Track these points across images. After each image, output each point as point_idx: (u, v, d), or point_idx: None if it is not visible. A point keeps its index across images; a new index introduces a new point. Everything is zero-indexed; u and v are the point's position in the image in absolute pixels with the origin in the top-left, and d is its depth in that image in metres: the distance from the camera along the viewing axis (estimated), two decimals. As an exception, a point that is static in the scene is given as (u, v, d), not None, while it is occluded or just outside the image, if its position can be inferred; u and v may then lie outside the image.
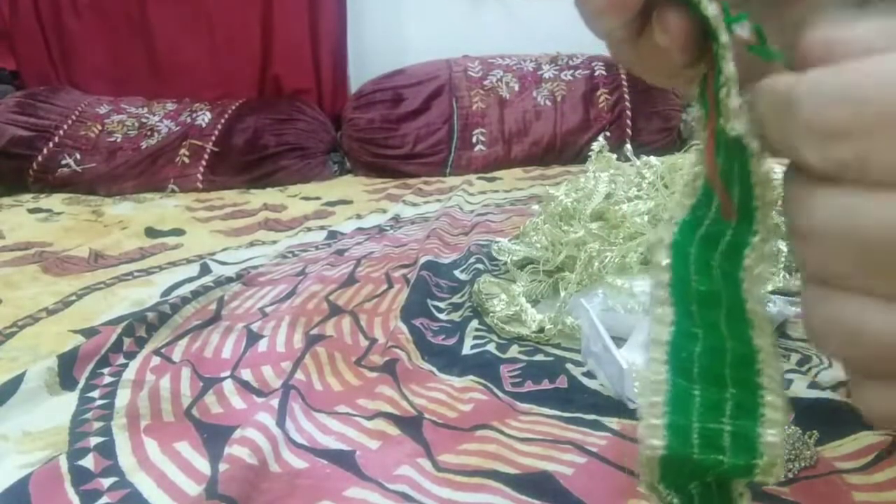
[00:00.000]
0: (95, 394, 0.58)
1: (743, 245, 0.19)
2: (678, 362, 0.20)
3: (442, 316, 0.71)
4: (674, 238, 0.21)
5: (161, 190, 1.66)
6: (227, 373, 0.60)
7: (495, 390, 0.55)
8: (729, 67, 0.18)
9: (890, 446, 0.42)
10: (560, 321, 0.64)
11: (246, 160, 1.71)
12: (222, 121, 1.78)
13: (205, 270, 0.94)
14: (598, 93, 1.77)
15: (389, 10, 2.05)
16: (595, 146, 0.88)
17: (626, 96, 1.76)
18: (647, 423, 0.20)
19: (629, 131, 1.72)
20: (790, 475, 0.41)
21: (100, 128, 1.77)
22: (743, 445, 0.20)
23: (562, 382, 0.56)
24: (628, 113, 1.74)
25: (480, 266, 0.83)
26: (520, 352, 0.62)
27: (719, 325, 0.20)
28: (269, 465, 0.45)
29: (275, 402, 0.52)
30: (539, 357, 0.61)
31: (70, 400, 0.57)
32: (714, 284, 0.20)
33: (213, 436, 0.49)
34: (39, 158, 1.68)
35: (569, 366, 0.58)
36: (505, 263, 0.83)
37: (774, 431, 0.19)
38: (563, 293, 0.69)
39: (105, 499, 0.43)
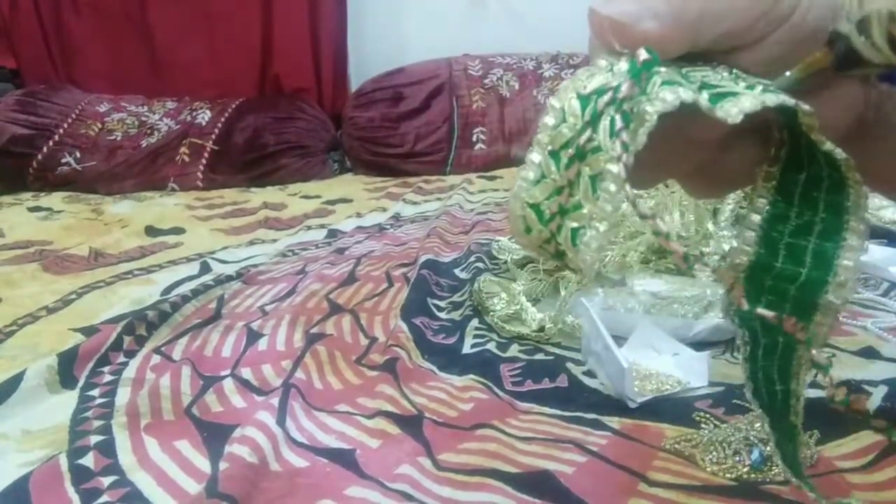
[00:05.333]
0: (95, 392, 0.58)
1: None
2: (783, 186, 0.22)
3: (442, 315, 0.71)
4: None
5: (161, 188, 1.66)
6: (228, 371, 0.60)
7: (496, 389, 0.54)
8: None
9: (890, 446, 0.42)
10: (560, 320, 0.64)
11: (246, 159, 1.71)
12: (222, 119, 1.78)
13: (205, 269, 0.94)
14: (599, 92, 1.77)
15: (389, 8, 2.05)
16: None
17: (627, 95, 1.76)
18: (743, 234, 0.22)
19: (629, 130, 1.71)
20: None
21: (100, 126, 1.77)
22: (822, 263, 0.22)
23: (562, 381, 0.55)
24: (628, 112, 1.74)
25: (481, 265, 0.83)
26: (520, 351, 0.62)
27: (819, 160, 0.21)
28: (270, 463, 0.45)
29: (275, 401, 0.52)
30: (539, 356, 0.61)
31: (70, 398, 0.57)
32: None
33: (214, 434, 0.49)
34: (39, 157, 1.68)
35: (569, 365, 0.58)
36: (505, 262, 0.83)
37: (851, 255, 0.21)
38: (563, 292, 0.69)
39: (105, 497, 0.43)
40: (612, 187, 0.19)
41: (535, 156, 0.20)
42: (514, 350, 0.62)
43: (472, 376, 0.57)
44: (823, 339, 0.22)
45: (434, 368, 0.59)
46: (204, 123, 1.78)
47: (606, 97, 0.19)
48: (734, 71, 0.21)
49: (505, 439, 0.47)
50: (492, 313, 0.68)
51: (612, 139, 0.19)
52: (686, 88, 0.19)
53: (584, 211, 0.19)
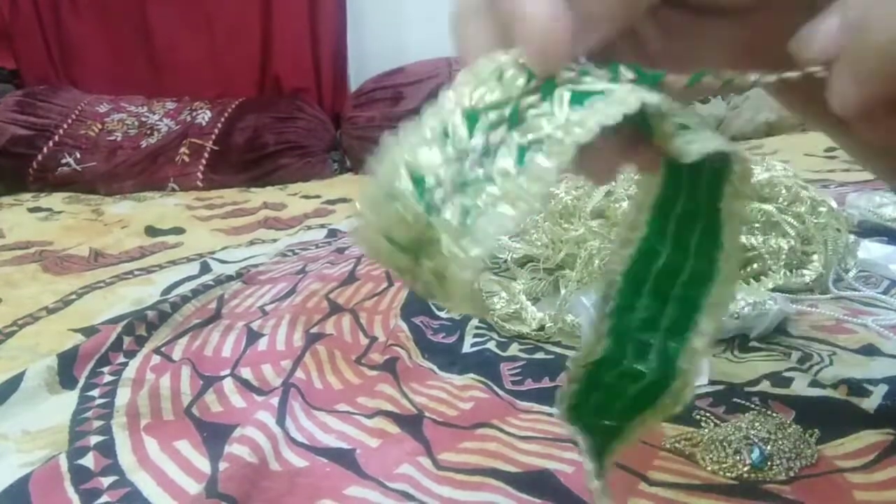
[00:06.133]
0: (95, 392, 0.57)
1: (726, 173, 0.19)
2: (632, 275, 0.21)
3: (442, 314, 0.71)
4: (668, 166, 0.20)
5: (161, 189, 1.66)
6: (227, 371, 0.60)
7: (495, 388, 0.54)
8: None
9: (892, 445, 0.42)
10: (560, 319, 0.64)
11: (246, 159, 1.71)
12: (222, 119, 1.78)
13: (205, 269, 0.94)
14: (599, 91, 1.77)
15: (389, 8, 2.05)
16: (595, 144, 0.88)
17: (627, 94, 1.76)
18: (596, 327, 0.21)
19: (629, 129, 1.72)
20: (791, 474, 0.40)
21: (100, 127, 1.77)
22: (663, 363, 0.20)
23: (562, 380, 0.55)
24: (629, 111, 1.74)
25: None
26: (520, 350, 0.62)
27: (689, 242, 0.20)
28: (270, 463, 0.45)
29: (275, 401, 0.52)
30: (539, 355, 0.61)
31: (70, 399, 0.56)
32: (697, 206, 0.20)
33: (213, 434, 0.49)
34: (39, 157, 1.68)
35: (569, 364, 0.58)
36: (505, 261, 0.83)
37: (690, 358, 0.19)
38: (563, 291, 0.69)
39: (105, 497, 0.43)
40: (548, 164, 0.16)
41: (433, 118, 0.17)
42: (514, 349, 0.62)
43: (472, 375, 0.57)
44: (630, 440, 0.22)
45: (434, 368, 0.59)
46: (204, 123, 1.78)
47: (498, 118, 0.17)
48: (636, 68, 0.19)
49: (505, 438, 0.47)
50: (492, 312, 0.68)
51: (513, 177, 0.16)
52: (611, 103, 0.16)
53: (498, 187, 0.16)
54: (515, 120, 0.17)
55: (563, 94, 0.17)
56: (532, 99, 0.17)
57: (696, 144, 0.17)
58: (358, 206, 0.17)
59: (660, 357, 0.20)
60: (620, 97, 0.16)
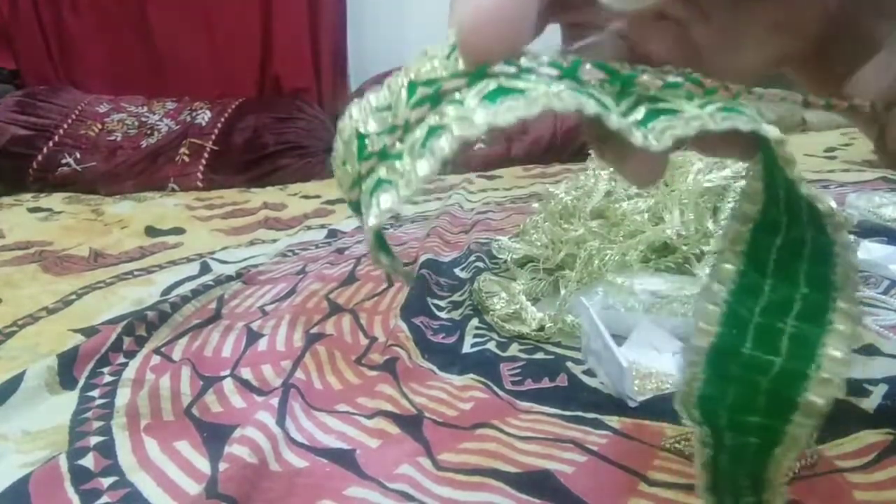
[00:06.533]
0: (95, 393, 0.57)
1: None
2: (753, 253, 0.18)
3: (442, 314, 0.71)
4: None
5: (161, 189, 1.66)
6: (227, 372, 0.60)
7: (495, 389, 0.54)
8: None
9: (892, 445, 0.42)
10: (560, 319, 0.64)
11: (246, 159, 1.71)
12: (222, 120, 1.78)
13: (205, 269, 0.94)
14: (599, 91, 1.77)
15: (389, 8, 2.05)
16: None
17: (627, 94, 1.76)
18: (704, 310, 0.18)
19: (629, 129, 1.71)
20: (790, 474, 0.40)
21: (100, 127, 1.77)
22: (801, 352, 0.17)
23: (562, 381, 0.55)
24: (628, 111, 1.74)
25: (480, 264, 0.83)
26: (520, 350, 0.62)
27: (801, 215, 0.17)
28: (269, 464, 0.45)
29: (275, 401, 0.52)
30: (539, 355, 0.61)
31: (70, 399, 0.57)
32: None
33: (213, 435, 0.49)
34: (39, 157, 1.68)
35: (569, 364, 0.58)
36: (505, 261, 0.83)
37: (840, 344, 0.17)
38: (563, 291, 0.69)
39: (105, 498, 0.43)
40: (431, 158, 0.16)
41: (392, 83, 0.18)
42: (513, 349, 0.62)
43: (471, 376, 0.57)
44: (804, 445, 0.19)
45: (434, 368, 0.59)
46: (204, 124, 1.78)
47: (423, 94, 0.17)
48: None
49: (505, 439, 0.47)
50: (491, 312, 0.68)
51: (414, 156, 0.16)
52: (521, 98, 0.15)
53: (402, 163, 0.16)
54: (437, 101, 0.17)
55: (487, 85, 0.16)
56: (459, 83, 0.17)
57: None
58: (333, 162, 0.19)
59: (793, 345, 0.18)
60: (532, 98, 0.15)
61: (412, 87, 0.17)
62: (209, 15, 1.96)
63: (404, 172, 0.16)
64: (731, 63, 0.20)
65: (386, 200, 0.16)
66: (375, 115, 0.18)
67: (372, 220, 0.16)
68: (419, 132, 0.16)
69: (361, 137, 0.18)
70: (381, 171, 0.17)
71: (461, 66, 0.17)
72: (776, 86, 0.19)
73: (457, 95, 0.16)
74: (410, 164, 0.16)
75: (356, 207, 0.19)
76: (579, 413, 0.50)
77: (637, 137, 0.16)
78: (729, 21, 0.21)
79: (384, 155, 0.17)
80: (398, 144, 0.17)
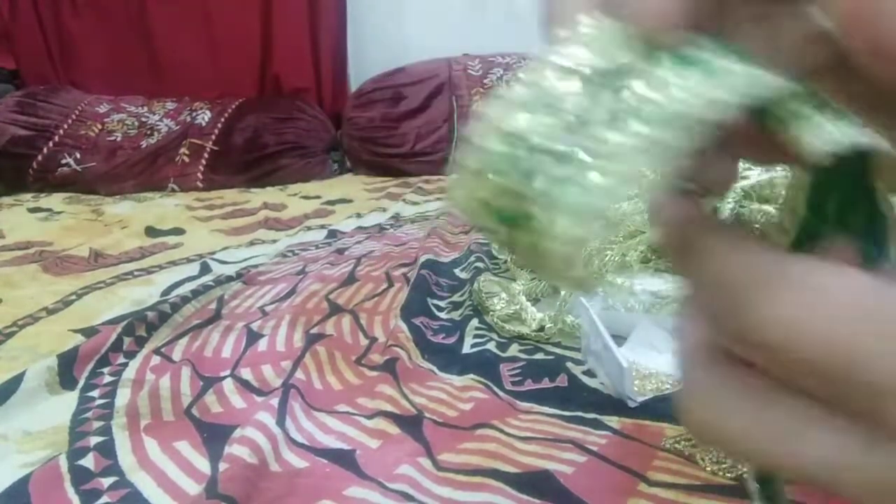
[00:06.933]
0: (95, 393, 0.57)
1: None
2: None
3: (442, 315, 0.71)
4: None
5: (161, 189, 1.66)
6: (227, 372, 0.59)
7: (495, 389, 0.54)
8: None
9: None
10: (560, 320, 0.64)
11: (246, 159, 1.71)
12: (222, 120, 1.78)
13: (205, 269, 0.94)
14: (599, 91, 1.77)
15: (389, 8, 2.05)
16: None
17: (627, 94, 1.76)
18: None
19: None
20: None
21: (100, 127, 1.77)
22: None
23: (562, 381, 0.55)
24: (628, 111, 1.74)
25: (480, 265, 0.83)
26: (520, 350, 0.62)
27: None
28: (269, 464, 0.45)
29: (275, 402, 0.52)
30: (539, 356, 0.61)
31: (70, 399, 0.57)
32: None
33: (213, 435, 0.49)
34: (39, 158, 1.68)
35: (569, 364, 0.58)
36: (505, 262, 0.83)
37: None
38: (563, 292, 0.69)
39: (105, 498, 0.43)
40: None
41: (533, 75, 0.16)
42: (513, 350, 0.62)
43: (471, 376, 0.57)
44: None
45: (434, 368, 0.59)
46: (204, 124, 1.78)
47: (597, 85, 0.15)
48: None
49: (505, 439, 0.47)
50: (492, 313, 0.68)
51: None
52: (740, 81, 0.14)
53: (583, 157, 0.15)
54: (615, 87, 0.15)
55: (674, 64, 0.15)
56: (639, 67, 0.15)
57: (824, 140, 0.15)
58: (458, 168, 0.16)
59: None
60: (754, 76, 0.15)
61: (570, 78, 0.15)
62: (209, 15, 1.96)
63: (598, 162, 0.15)
64: None
65: (585, 202, 0.14)
66: (526, 112, 0.15)
67: (570, 227, 0.14)
68: (602, 118, 0.15)
69: (513, 138, 0.15)
70: (559, 171, 0.15)
71: (623, 51, 0.15)
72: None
73: (646, 77, 0.15)
74: (606, 151, 0.15)
75: (503, 218, 0.16)
76: (579, 413, 0.50)
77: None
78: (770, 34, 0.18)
79: (556, 154, 0.15)
80: (572, 138, 0.15)
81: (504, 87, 0.16)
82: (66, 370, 0.60)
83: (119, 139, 1.74)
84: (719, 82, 0.15)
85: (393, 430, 0.49)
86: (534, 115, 0.15)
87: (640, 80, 0.15)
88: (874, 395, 0.12)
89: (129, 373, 0.61)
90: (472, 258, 0.85)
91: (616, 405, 0.51)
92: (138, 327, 0.68)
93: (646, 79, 0.15)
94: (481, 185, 0.16)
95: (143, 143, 1.73)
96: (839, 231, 0.17)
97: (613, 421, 0.49)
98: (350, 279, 0.83)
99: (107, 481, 0.45)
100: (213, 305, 0.76)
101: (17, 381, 0.57)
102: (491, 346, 0.63)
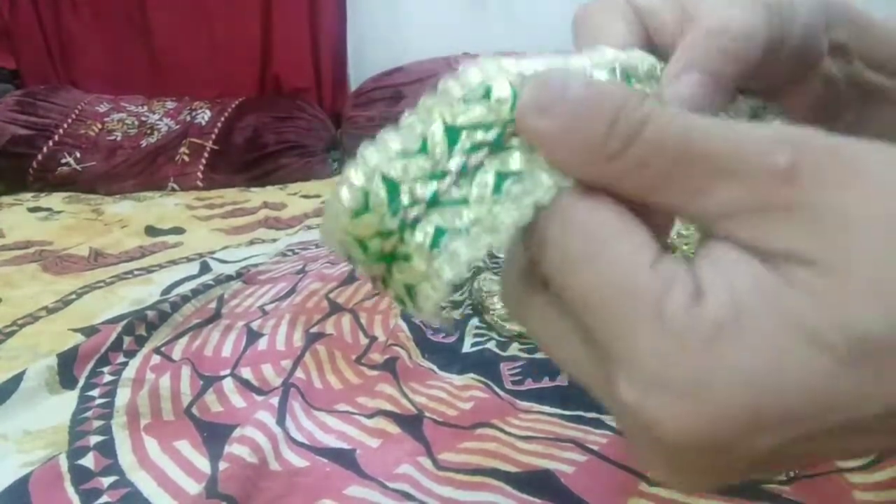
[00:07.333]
0: (95, 392, 0.57)
1: None
2: None
3: (442, 314, 0.71)
4: None
5: (161, 188, 1.66)
6: (227, 371, 0.59)
7: (496, 388, 0.54)
8: None
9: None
10: (560, 319, 0.64)
11: (246, 158, 1.71)
12: (222, 119, 1.78)
13: (205, 269, 0.94)
14: (599, 90, 1.77)
15: (389, 8, 2.05)
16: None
17: (627, 94, 1.76)
18: None
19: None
20: (791, 474, 0.40)
21: (100, 126, 1.77)
22: None
23: (562, 380, 0.55)
24: (629, 111, 1.74)
25: (480, 263, 0.83)
26: (520, 349, 0.62)
27: None
28: (270, 463, 0.45)
29: (275, 401, 0.52)
30: (539, 355, 0.61)
31: (70, 399, 0.56)
32: None
33: (213, 434, 0.49)
34: (39, 157, 1.68)
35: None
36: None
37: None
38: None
39: (105, 497, 0.43)
40: (526, 200, 0.15)
41: (417, 124, 0.16)
42: (514, 349, 0.62)
43: (472, 375, 0.57)
44: None
45: (434, 367, 0.59)
46: (204, 123, 1.78)
47: (481, 140, 0.16)
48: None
49: (505, 438, 0.47)
50: (492, 312, 0.68)
51: (487, 203, 0.16)
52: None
53: (472, 210, 0.16)
54: (499, 145, 0.16)
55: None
56: (514, 128, 0.16)
57: None
58: (331, 206, 0.17)
59: None
60: None
61: (452, 131, 0.16)
62: (209, 15, 1.96)
63: (481, 220, 0.16)
64: None
65: (463, 251, 0.15)
66: (404, 159, 0.16)
67: (448, 273, 0.16)
68: (487, 178, 0.16)
69: (391, 183, 0.16)
70: (437, 219, 0.16)
71: (507, 106, 0.16)
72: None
73: (514, 142, 0.16)
74: (489, 211, 0.15)
75: (379, 258, 0.17)
76: (580, 412, 0.50)
77: None
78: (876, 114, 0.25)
79: (435, 202, 0.16)
80: (455, 190, 0.16)
81: (390, 128, 0.17)
82: (66, 369, 0.60)
83: (119, 139, 1.74)
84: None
85: (393, 429, 0.49)
86: (416, 162, 0.16)
87: (519, 146, 0.16)
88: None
89: (129, 372, 0.61)
90: (473, 258, 0.85)
91: (616, 404, 0.51)
92: (138, 326, 0.68)
93: (522, 145, 0.16)
94: (359, 224, 0.16)
95: (143, 143, 1.73)
96: None
97: (614, 420, 0.48)
98: (350, 278, 0.83)
99: (107, 480, 0.45)
100: (213, 305, 0.76)
101: (16, 380, 0.57)
102: (491, 345, 0.63)
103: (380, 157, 0.16)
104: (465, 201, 0.16)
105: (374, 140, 0.16)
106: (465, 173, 0.16)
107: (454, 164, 0.16)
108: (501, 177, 0.16)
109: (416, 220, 0.16)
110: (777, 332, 0.14)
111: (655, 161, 0.15)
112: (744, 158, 0.15)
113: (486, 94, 0.16)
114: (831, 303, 0.14)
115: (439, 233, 0.16)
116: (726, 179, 0.15)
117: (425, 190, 0.16)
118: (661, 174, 0.15)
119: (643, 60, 0.19)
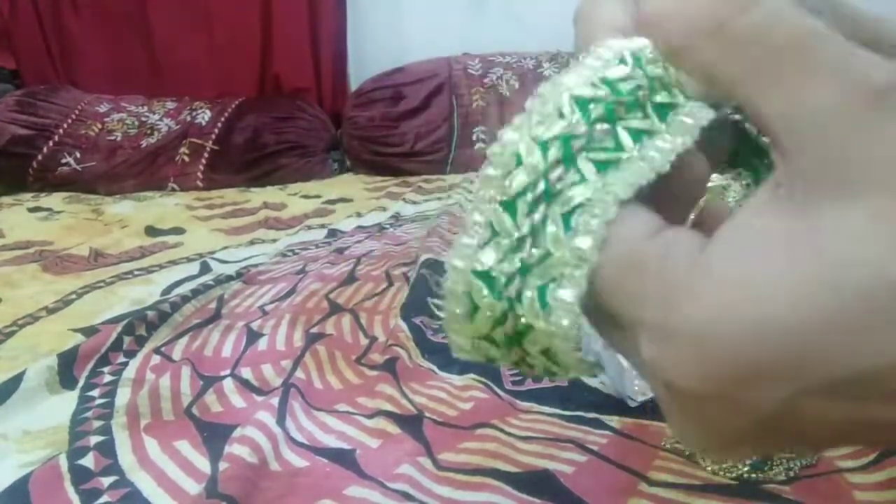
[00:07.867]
0: (95, 392, 0.57)
1: None
2: None
3: (442, 314, 0.71)
4: None
5: (161, 188, 1.66)
6: (227, 371, 0.59)
7: (496, 388, 0.54)
8: None
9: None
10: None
11: (246, 159, 1.71)
12: (222, 119, 1.78)
13: (205, 269, 0.94)
14: (599, 91, 1.77)
15: (389, 8, 2.05)
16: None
17: (627, 94, 1.76)
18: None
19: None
20: (791, 474, 0.40)
21: (100, 126, 1.77)
22: None
23: (562, 381, 0.55)
24: (628, 111, 1.74)
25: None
26: (520, 350, 0.62)
27: None
28: (270, 463, 0.45)
29: (275, 401, 0.52)
30: (539, 355, 0.61)
31: (70, 399, 0.56)
32: None
33: (213, 434, 0.49)
34: (39, 157, 1.68)
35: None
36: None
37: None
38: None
39: (105, 498, 0.43)
40: (594, 222, 0.16)
41: (478, 215, 0.18)
42: (514, 349, 0.62)
43: (472, 375, 0.57)
44: None
45: (434, 368, 0.59)
46: (204, 123, 1.78)
47: (533, 197, 0.17)
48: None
49: (505, 439, 0.47)
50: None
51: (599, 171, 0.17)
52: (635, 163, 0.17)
53: (555, 257, 0.17)
54: (550, 195, 0.17)
55: (586, 162, 0.17)
56: (558, 172, 0.17)
57: None
58: (449, 322, 0.19)
59: None
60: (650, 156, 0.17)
61: (509, 205, 0.17)
62: (209, 15, 1.96)
63: (566, 261, 0.16)
64: None
65: (568, 294, 0.16)
66: (483, 250, 0.17)
67: (565, 319, 0.16)
68: (554, 227, 0.17)
69: (483, 274, 0.17)
70: (534, 280, 0.17)
71: (539, 160, 0.17)
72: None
73: (568, 178, 0.17)
74: (568, 250, 0.16)
75: (509, 342, 0.18)
76: (579, 413, 0.50)
77: None
78: None
79: (526, 269, 0.17)
80: (534, 251, 0.17)
81: (459, 231, 0.18)
82: (66, 369, 0.60)
83: (119, 139, 1.74)
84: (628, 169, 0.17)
85: (393, 429, 0.49)
86: (493, 247, 0.17)
87: (569, 184, 0.17)
88: None
89: (129, 372, 0.61)
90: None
91: (617, 405, 0.51)
92: (138, 327, 0.68)
93: (570, 182, 0.17)
94: (477, 323, 0.18)
95: (143, 143, 1.73)
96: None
97: (614, 421, 0.49)
98: (350, 278, 0.83)
99: (107, 481, 0.45)
100: (213, 305, 0.76)
101: (17, 380, 0.57)
102: (491, 345, 0.63)
103: (463, 261, 0.18)
104: (547, 254, 0.17)
105: (449, 245, 0.18)
106: (536, 231, 0.17)
107: (525, 229, 0.17)
108: (566, 217, 0.17)
109: (520, 292, 0.17)
110: (784, 274, 0.14)
111: (765, 38, 0.15)
112: (848, 67, 0.14)
113: (518, 161, 0.18)
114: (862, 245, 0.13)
115: (542, 291, 0.17)
116: (827, 79, 0.14)
117: (513, 265, 0.17)
118: (767, 54, 0.15)
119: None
